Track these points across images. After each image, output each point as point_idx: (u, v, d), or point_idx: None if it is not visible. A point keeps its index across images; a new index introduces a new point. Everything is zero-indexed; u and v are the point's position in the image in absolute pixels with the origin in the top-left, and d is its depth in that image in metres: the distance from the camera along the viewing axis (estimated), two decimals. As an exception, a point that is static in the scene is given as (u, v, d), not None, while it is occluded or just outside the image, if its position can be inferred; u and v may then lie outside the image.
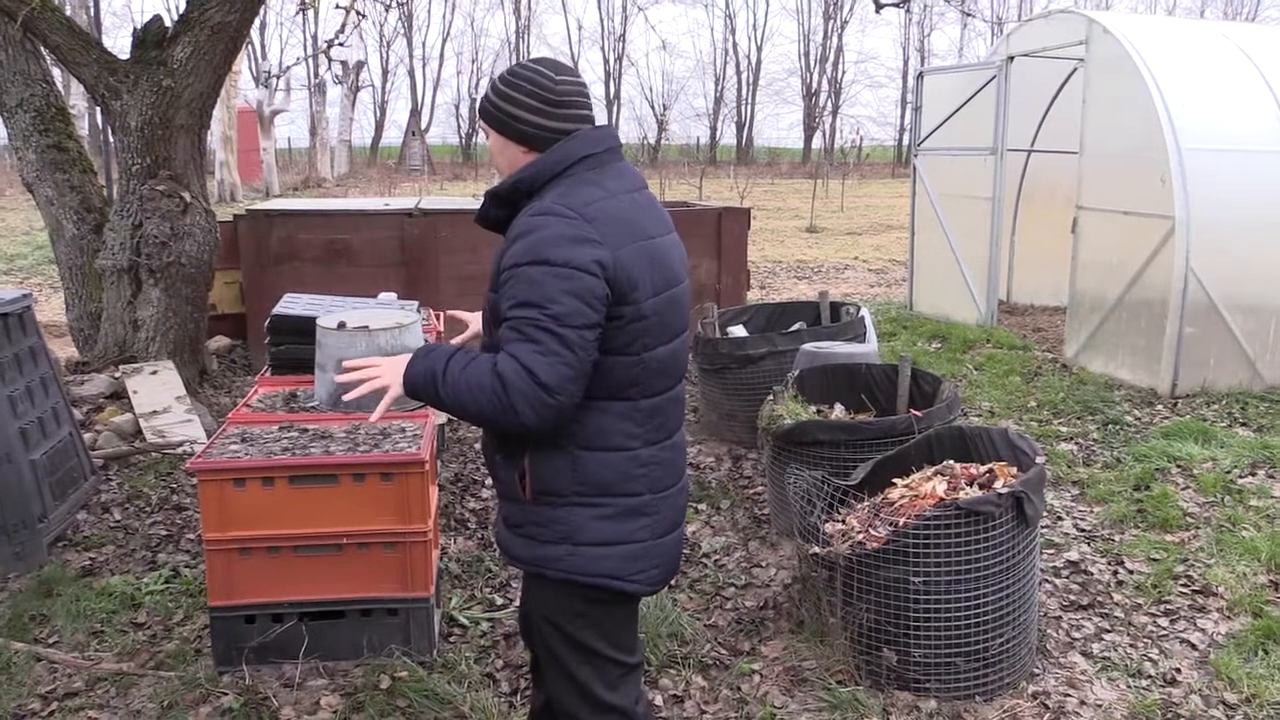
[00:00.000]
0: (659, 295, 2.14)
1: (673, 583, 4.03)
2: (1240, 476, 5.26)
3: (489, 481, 4.93)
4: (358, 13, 8.95)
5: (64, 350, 7.00)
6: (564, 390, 2.00)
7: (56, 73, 7.39)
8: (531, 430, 2.06)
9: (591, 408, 2.11)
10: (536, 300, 1.99)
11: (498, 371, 2.01)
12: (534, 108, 2.14)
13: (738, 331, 6.27)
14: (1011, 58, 8.74)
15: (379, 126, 47.35)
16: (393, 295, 4.79)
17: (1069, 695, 3.27)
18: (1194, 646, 3.60)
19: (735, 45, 57.27)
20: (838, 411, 4.76)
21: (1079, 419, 6.34)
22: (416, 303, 4.99)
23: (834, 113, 48.02)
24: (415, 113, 41.07)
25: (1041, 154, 9.98)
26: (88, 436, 5.33)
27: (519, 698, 3.23)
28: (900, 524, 3.19)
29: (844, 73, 49.19)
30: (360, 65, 35.62)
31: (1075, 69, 8.79)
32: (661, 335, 2.17)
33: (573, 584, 2.18)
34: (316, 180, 30.17)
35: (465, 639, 3.62)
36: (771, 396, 4.60)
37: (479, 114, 2.25)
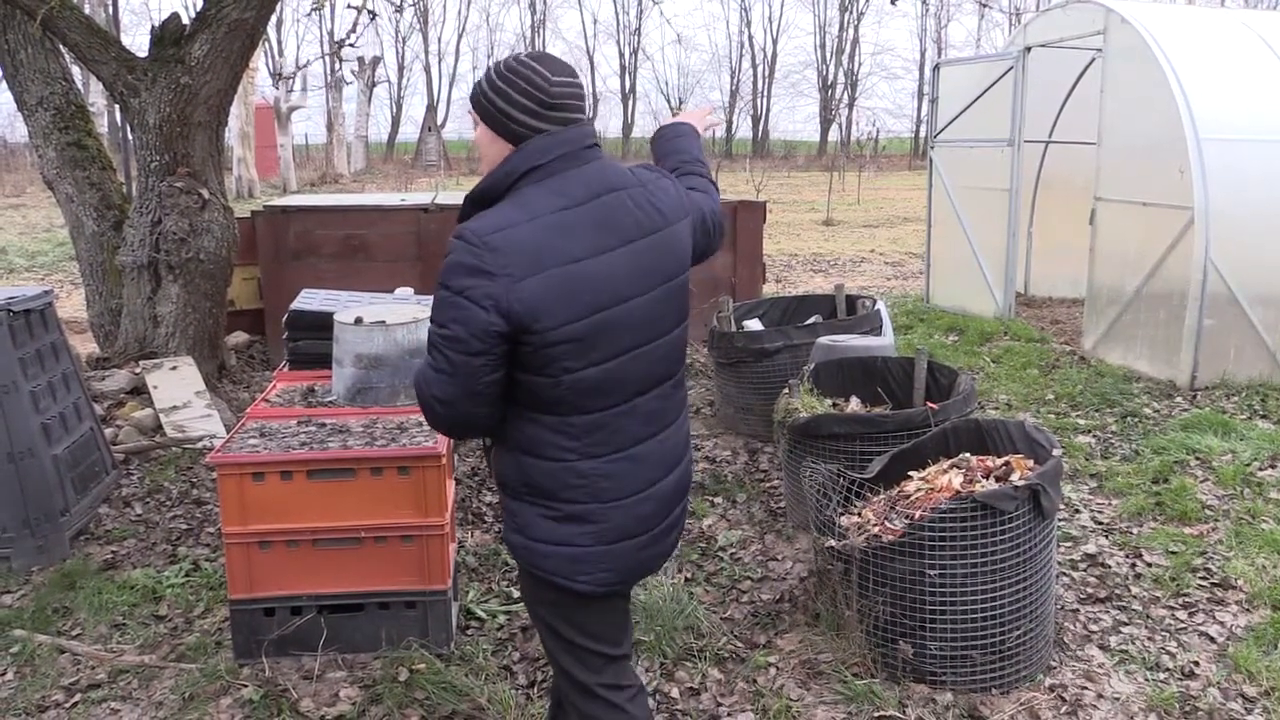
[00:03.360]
0: (581, 320, 2.01)
1: (689, 575, 4.06)
2: (1260, 469, 5.22)
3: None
4: (370, 12, 8.97)
5: (85, 346, 7.06)
6: (456, 403, 2.05)
7: (76, 71, 7.46)
8: (444, 432, 2.25)
9: (526, 417, 2.11)
10: (437, 320, 2.06)
11: (415, 377, 2.14)
12: (526, 108, 2.07)
13: (753, 325, 6.27)
14: (1029, 48, 8.68)
15: (395, 122, 47.57)
16: (409, 290, 4.80)
17: (1086, 688, 3.26)
18: (1212, 639, 3.58)
19: (751, 38, 57.19)
20: (853, 405, 4.75)
21: (1097, 411, 6.30)
22: (433, 298, 5.00)
23: (850, 105, 47.82)
24: (431, 108, 41.15)
25: (1059, 145, 9.91)
26: (109, 431, 5.39)
27: (536, 690, 3.25)
28: (916, 517, 3.19)
29: (860, 65, 49.06)
30: (376, 61, 35.73)
31: (1093, 59, 8.72)
32: (587, 358, 2.04)
33: (535, 574, 2.22)
34: (333, 176, 30.33)
35: (483, 631, 3.64)
36: (787, 390, 4.60)
37: (471, 101, 2.16)
